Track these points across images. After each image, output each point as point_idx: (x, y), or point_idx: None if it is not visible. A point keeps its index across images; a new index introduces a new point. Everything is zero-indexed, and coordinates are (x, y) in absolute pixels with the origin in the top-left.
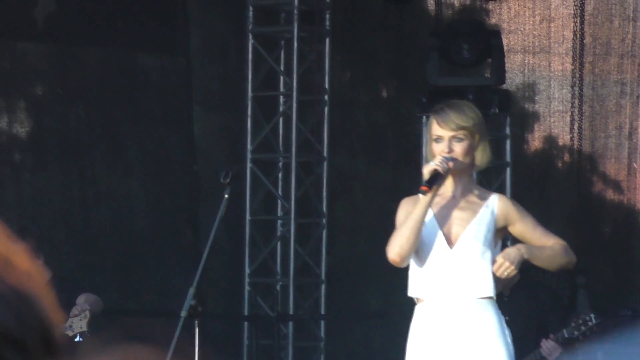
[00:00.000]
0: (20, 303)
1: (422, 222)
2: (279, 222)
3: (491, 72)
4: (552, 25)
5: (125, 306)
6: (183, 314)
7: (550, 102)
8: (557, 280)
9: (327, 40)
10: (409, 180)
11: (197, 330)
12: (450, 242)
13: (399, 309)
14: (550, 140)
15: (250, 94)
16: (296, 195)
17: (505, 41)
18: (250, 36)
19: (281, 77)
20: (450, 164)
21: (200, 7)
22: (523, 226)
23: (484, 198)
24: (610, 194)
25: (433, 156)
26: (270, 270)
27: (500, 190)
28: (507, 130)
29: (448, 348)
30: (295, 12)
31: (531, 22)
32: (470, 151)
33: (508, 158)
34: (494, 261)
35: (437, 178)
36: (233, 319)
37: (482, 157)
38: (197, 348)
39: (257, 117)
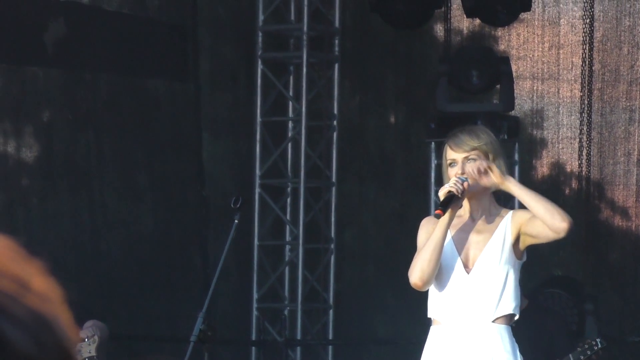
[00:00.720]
0: (38, 325)
1: (442, 244)
2: (287, 247)
3: (500, 99)
4: (561, 52)
5: (134, 332)
6: (193, 338)
7: (559, 128)
8: (565, 306)
9: (336, 66)
10: (417, 206)
11: (206, 355)
12: (467, 267)
13: (407, 335)
14: (558, 166)
15: (259, 119)
16: (304, 220)
17: (514, 67)
18: (260, 61)
19: (290, 103)
20: (465, 184)
21: (210, 32)
22: (529, 216)
23: (501, 216)
24: (618, 221)
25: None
26: (278, 296)
27: None
28: (516, 157)
29: None
30: (305, 37)
31: (540, 49)
32: (484, 171)
33: None
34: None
35: (452, 200)
36: (241, 344)
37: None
38: None
39: (265, 142)
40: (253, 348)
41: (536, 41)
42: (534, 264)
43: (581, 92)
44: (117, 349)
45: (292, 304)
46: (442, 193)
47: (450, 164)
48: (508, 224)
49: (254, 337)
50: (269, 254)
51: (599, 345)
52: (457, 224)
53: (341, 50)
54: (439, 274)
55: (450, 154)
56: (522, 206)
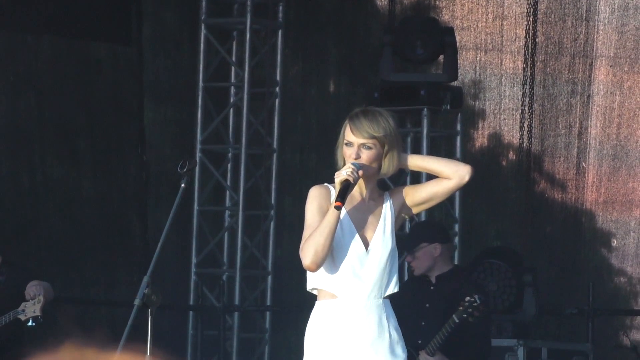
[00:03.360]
0: None
1: (335, 230)
2: (227, 213)
3: (443, 69)
4: (504, 23)
5: (72, 295)
6: (137, 302)
7: (501, 100)
8: (504, 277)
9: (280, 33)
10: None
11: (150, 319)
12: (366, 245)
13: None
14: (499, 137)
15: (201, 84)
16: (245, 187)
17: (457, 38)
18: (203, 27)
19: (233, 69)
20: (361, 172)
21: None
22: (416, 186)
23: (382, 196)
24: (558, 193)
25: (342, 158)
26: (217, 261)
27: None
28: (458, 127)
29: (356, 343)
30: (249, 4)
31: (484, 20)
32: (377, 159)
33: (458, 154)
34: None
35: (348, 188)
36: (179, 309)
37: (388, 166)
38: (150, 337)
39: (207, 108)
40: (191, 313)
41: (480, 12)
42: (472, 234)
43: (524, 63)
44: (54, 311)
45: (230, 270)
46: (338, 181)
47: (346, 144)
48: (390, 204)
49: (191, 302)
50: (208, 220)
51: (477, 302)
52: (351, 203)
53: (285, 18)
54: (338, 250)
55: (349, 135)
56: (460, 193)
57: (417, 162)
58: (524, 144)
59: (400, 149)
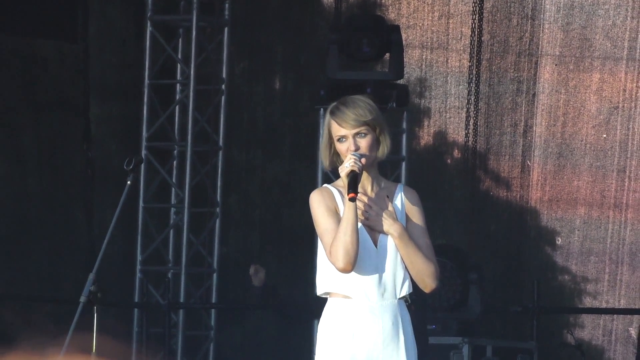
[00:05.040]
0: None
1: (357, 223)
2: (173, 210)
3: (389, 67)
4: (450, 21)
5: (15, 292)
6: (82, 299)
7: (447, 98)
8: (449, 275)
9: (226, 31)
10: (303, 174)
11: (95, 316)
12: (374, 242)
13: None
14: (445, 136)
15: (147, 81)
16: (191, 184)
17: (403, 36)
18: (149, 24)
19: (179, 66)
20: (363, 160)
21: None
22: (412, 227)
23: (391, 190)
24: (503, 191)
25: (332, 155)
26: (162, 259)
27: None
28: (404, 125)
29: (369, 345)
30: (195, 1)
31: (430, 18)
32: (374, 144)
33: (404, 152)
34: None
35: (356, 179)
36: (124, 307)
37: (383, 148)
38: (95, 334)
39: (153, 105)
40: (136, 310)
41: (426, 10)
42: None
43: (470, 62)
44: None
45: (176, 267)
46: (344, 174)
47: (338, 140)
48: (403, 201)
49: (137, 300)
50: (154, 217)
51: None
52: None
53: (231, 15)
54: None
55: (338, 130)
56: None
57: (401, 240)
58: (470, 142)
59: (387, 129)
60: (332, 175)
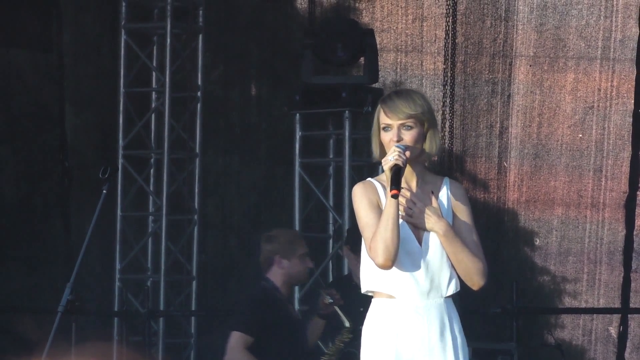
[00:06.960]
0: None
1: (398, 220)
2: (151, 218)
3: (364, 71)
4: (424, 24)
5: None
6: (60, 309)
7: None
8: None
9: (200, 37)
10: (280, 178)
11: (73, 325)
12: (418, 240)
13: None
14: None
15: (122, 90)
16: (168, 191)
17: (377, 40)
18: (123, 32)
19: (154, 74)
20: (407, 153)
21: (73, 2)
22: (458, 224)
23: (437, 185)
24: (480, 193)
25: (380, 144)
26: (141, 267)
27: None
28: None
29: (415, 346)
30: (169, 8)
31: (404, 21)
32: (419, 139)
33: None
34: None
35: (400, 173)
36: (103, 315)
37: (431, 144)
38: (74, 344)
39: (129, 113)
40: (115, 319)
41: (400, 13)
42: None
43: (444, 64)
44: None
45: (155, 275)
46: (387, 167)
47: (384, 128)
48: (449, 196)
49: (116, 308)
50: (131, 225)
51: (346, 326)
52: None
53: (205, 22)
54: None
55: (384, 118)
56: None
57: (447, 238)
58: (446, 145)
59: (438, 127)
60: (307, 179)
